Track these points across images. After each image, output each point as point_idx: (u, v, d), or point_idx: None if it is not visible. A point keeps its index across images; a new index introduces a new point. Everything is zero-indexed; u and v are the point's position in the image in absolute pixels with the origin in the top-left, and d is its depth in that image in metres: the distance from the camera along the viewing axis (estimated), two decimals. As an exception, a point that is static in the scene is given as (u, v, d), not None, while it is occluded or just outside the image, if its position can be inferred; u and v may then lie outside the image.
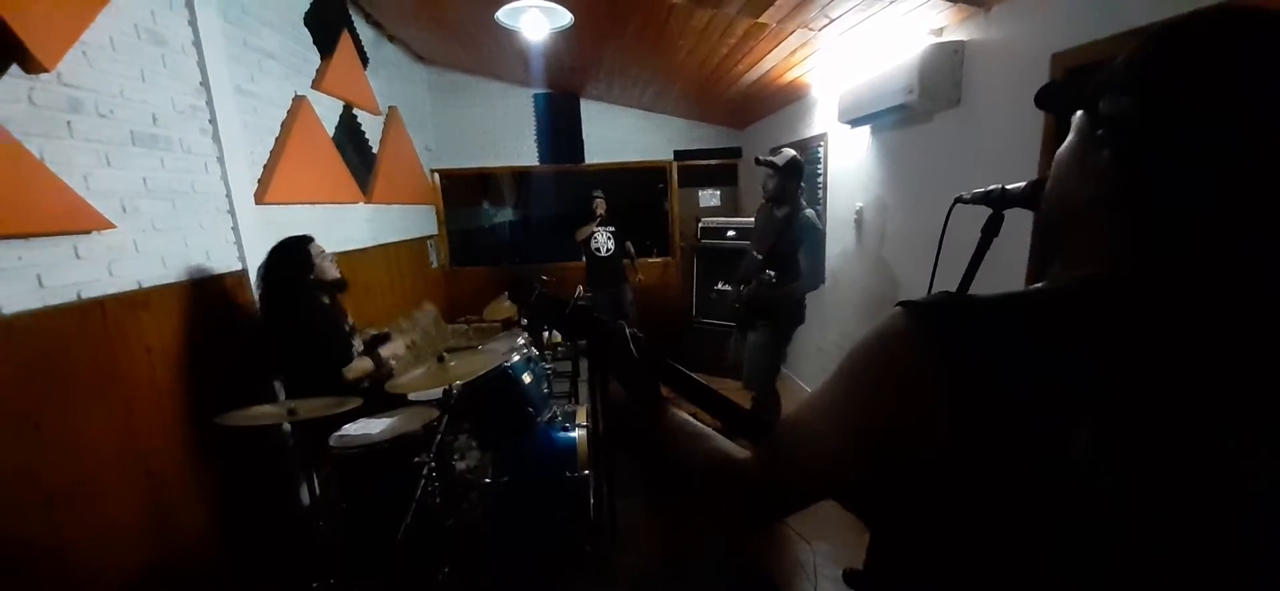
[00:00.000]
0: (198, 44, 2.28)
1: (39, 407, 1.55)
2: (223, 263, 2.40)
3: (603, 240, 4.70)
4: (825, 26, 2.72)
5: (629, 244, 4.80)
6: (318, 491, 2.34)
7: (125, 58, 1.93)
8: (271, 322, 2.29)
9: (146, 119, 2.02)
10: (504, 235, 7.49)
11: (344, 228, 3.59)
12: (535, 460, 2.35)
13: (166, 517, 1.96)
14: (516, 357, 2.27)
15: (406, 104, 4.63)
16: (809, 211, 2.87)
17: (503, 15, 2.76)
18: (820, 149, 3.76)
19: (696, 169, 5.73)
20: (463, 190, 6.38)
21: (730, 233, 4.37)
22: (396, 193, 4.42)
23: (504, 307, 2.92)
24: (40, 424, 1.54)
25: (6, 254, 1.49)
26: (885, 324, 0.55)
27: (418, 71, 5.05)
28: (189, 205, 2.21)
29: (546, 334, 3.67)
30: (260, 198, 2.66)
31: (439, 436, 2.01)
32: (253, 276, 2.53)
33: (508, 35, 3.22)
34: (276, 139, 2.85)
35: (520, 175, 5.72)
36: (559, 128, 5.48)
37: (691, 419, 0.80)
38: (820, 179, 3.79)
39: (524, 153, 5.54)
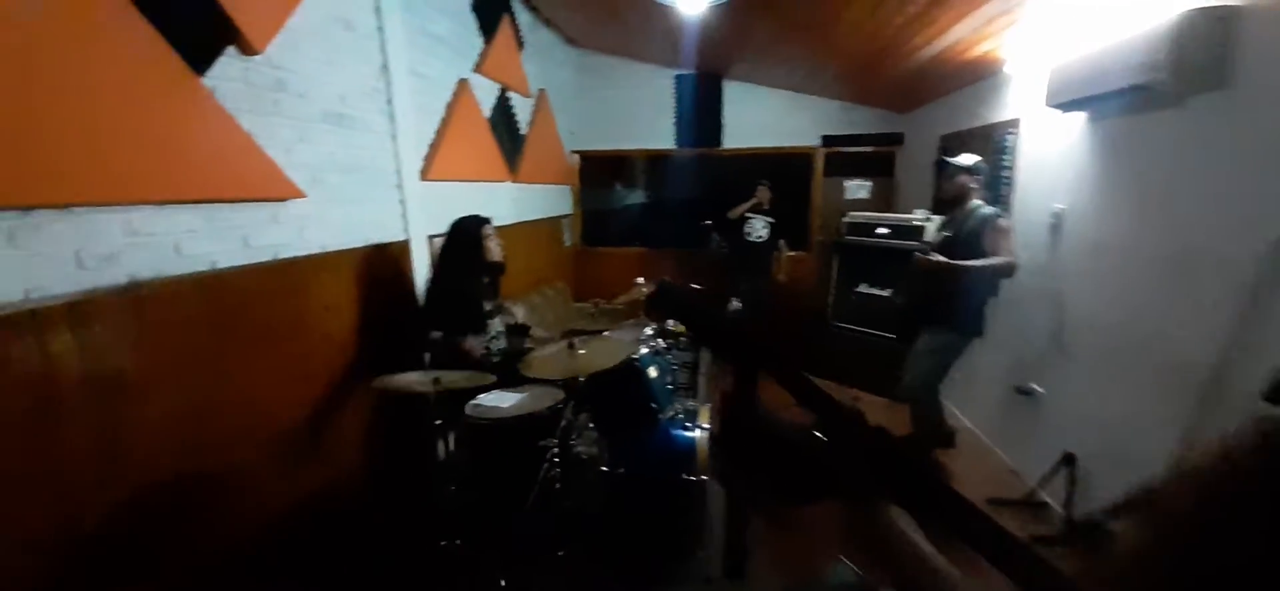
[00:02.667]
0: (381, 29, 2.47)
1: (232, 352, 1.77)
2: (390, 232, 2.62)
3: (758, 227, 4.60)
4: (1038, -11, 2.23)
5: (782, 240, 4.63)
6: (451, 452, 2.50)
7: (322, 42, 2.13)
8: (436, 283, 2.47)
9: (336, 99, 2.23)
10: (633, 217, 7.55)
11: (492, 204, 3.78)
12: (654, 456, 2.27)
13: (326, 457, 2.20)
14: (644, 349, 2.20)
15: (554, 86, 4.78)
16: (991, 209, 2.53)
17: (659, -12, 2.64)
18: (1010, 137, 3.18)
19: (846, 157, 5.23)
20: (598, 171, 6.51)
21: (881, 230, 3.91)
22: (540, 172, 4.60)
23: (635, 293, 2.87)
24: (231, 370, 1.76)
25: (221, 216, 1.71)
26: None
27: (567, 54, 5.19)
28: (366, 179, 2.43)
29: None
30: (424, 174, 2.87)
31: (564, 423, 2.00)
32: (415, 246, 2.74)
33: (659, 11, 3.11)
34: (441, 119, 3.05)
35: (653, 158, 5.70)
36: (698, 109, 5.32)
37: (917, 535, 0.61)
38: (1006, 173, 3.21)
39: (661, 135, 5.48)
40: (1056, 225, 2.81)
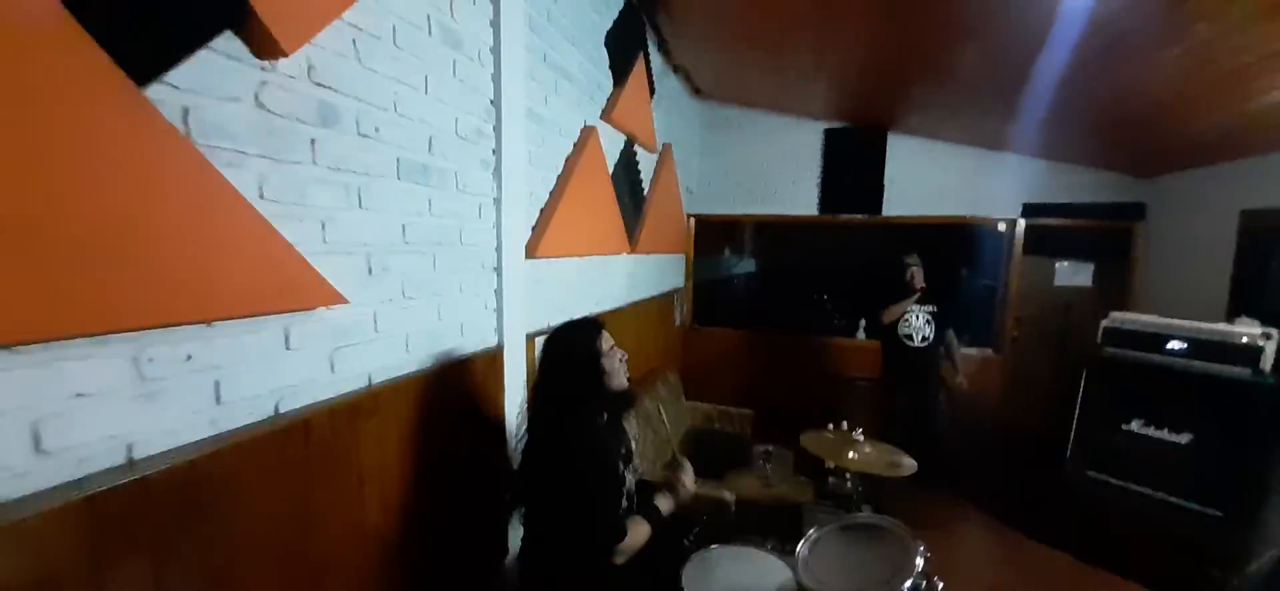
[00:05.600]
0: (497, 51, 1.71)
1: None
2: (478, 338, 1.77)
3: (918, 324, 3.29)
4: None
5: (951, 333, 3.34)
6: None
7: (408, 56, 1.37)
8: (536, 448, 1.53)
9: (422, 144, 1.45)
10: (742, 289, 6.45)
11: (606, 283, 2.95)
12: None
13: None
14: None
15: (678, 141, 3.98)
16: None
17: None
18: None
19: (1056, 232, 3.94)
20: (715, 238, 5.64)
21: (1175, 345, 2.62)
22: (658, 241, 3.75)
23: (846, 451, 1.72)
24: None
25: (166, 351, 0.88)
26: None
27: (692, 106, 4.43)
28: (452, 261, 1.60)
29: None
30: (532, 249, 2.03)
31: None
32: (510, 355, 1.88)
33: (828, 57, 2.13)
34: (558, 177, 2.24)
35: (784, 225, 4.69)
36: (851, 169, 4.32)
37: None
38: None
39: (801, 198, 4.49)
40: None
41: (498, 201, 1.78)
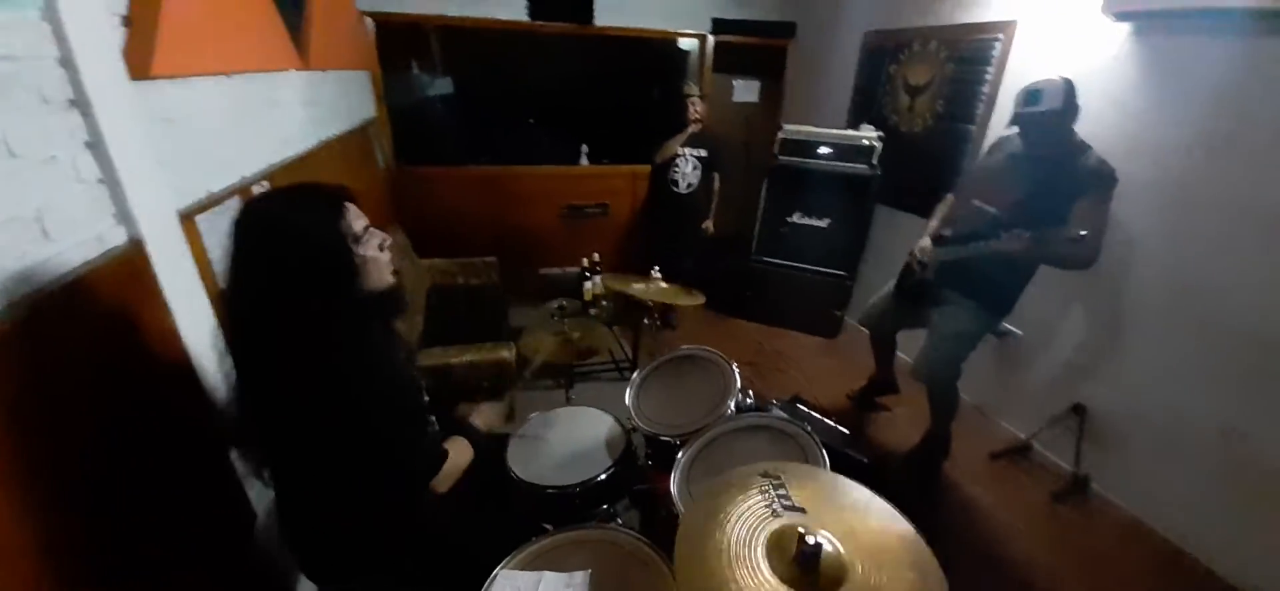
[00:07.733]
0: None
1: None
2: (84, 238, 0.97)
3: (687, 170, 3.35)
4: None
5: (716, 176, 3.49)
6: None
7: None
8: (277, 383, 0.95)
9: None
10: (447, 116, 5.53)
11: (275, 119, 2.07)
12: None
13: None
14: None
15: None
16: (1101, 160, 1.90)
17: None
18: (994, 48, 2.77)
19: (737, 49, 4.41)
20: (398, 46, 4.54)
21: (824, 150, 3.32)
22: (335, 52, 2.79)
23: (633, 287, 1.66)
24: None
25: None
26: None
27: None
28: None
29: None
30: (142, 64, 1.15)
31: None
32: (158, 253, 1.12)
33: None
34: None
35: (483, 31, 4.00)
36: (561, -31, 3.85)
37: None
38: (981, 90, 2.83)
39: (508, 1, 3.86)
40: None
41: (37, -40, 0.87)
